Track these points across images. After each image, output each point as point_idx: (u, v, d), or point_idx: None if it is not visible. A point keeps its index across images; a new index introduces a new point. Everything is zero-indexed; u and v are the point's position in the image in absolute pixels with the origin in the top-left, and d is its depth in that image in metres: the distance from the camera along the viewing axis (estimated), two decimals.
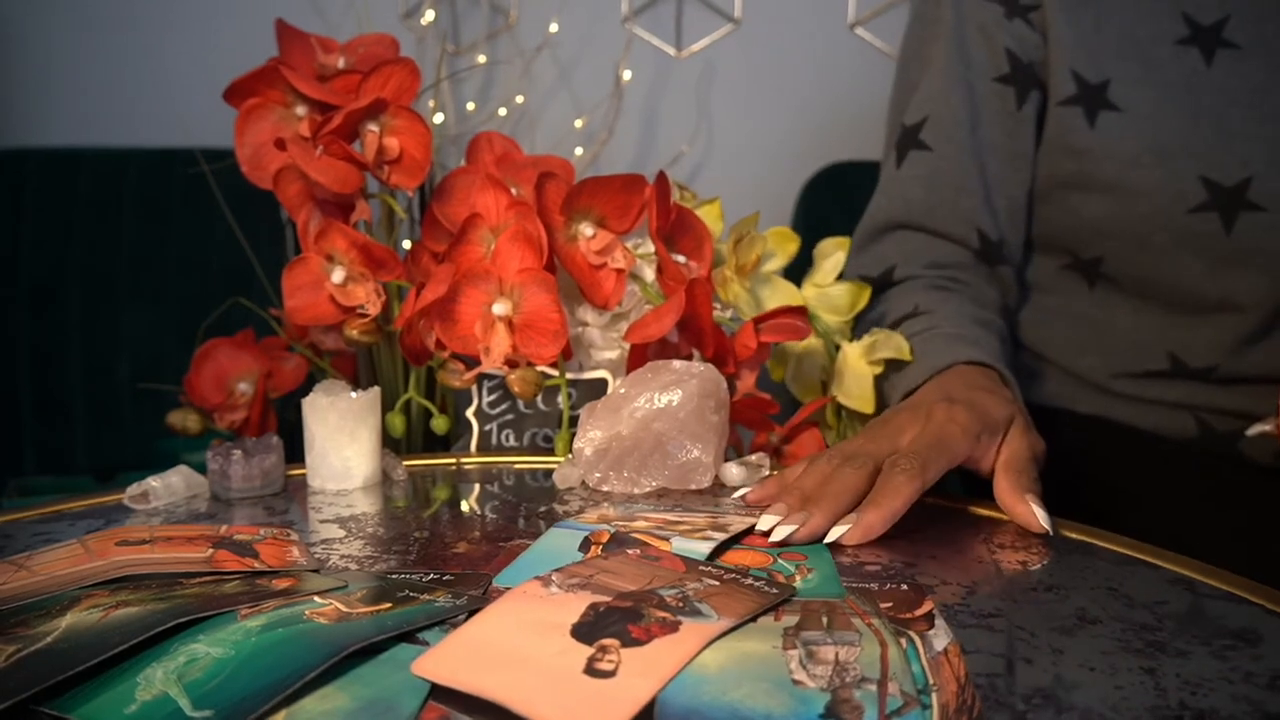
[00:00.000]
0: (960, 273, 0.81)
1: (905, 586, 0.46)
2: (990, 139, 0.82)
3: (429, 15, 1.41)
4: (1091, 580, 0.49)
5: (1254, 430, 0.70)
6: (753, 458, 0.67)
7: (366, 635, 0.39)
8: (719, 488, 0.65)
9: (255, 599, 0.43)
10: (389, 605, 0.43)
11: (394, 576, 0.48)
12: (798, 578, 0.47)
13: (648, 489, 0.63)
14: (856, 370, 0.76)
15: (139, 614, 0.40)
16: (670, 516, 0.56)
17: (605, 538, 0.51)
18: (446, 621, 0.41)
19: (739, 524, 0.54)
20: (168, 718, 0.33)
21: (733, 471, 0.65)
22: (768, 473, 0.67)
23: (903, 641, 0.39)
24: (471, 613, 0.42)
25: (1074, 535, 0.55)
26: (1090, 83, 0.77)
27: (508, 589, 0.44)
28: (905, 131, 0.84)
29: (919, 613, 0.42)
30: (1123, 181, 0.76)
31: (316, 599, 0.43)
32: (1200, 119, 0.75)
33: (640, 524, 0.54)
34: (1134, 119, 0.76)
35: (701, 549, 0.50)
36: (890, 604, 0.44)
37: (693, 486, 0.64)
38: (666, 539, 0.51)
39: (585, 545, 0.50)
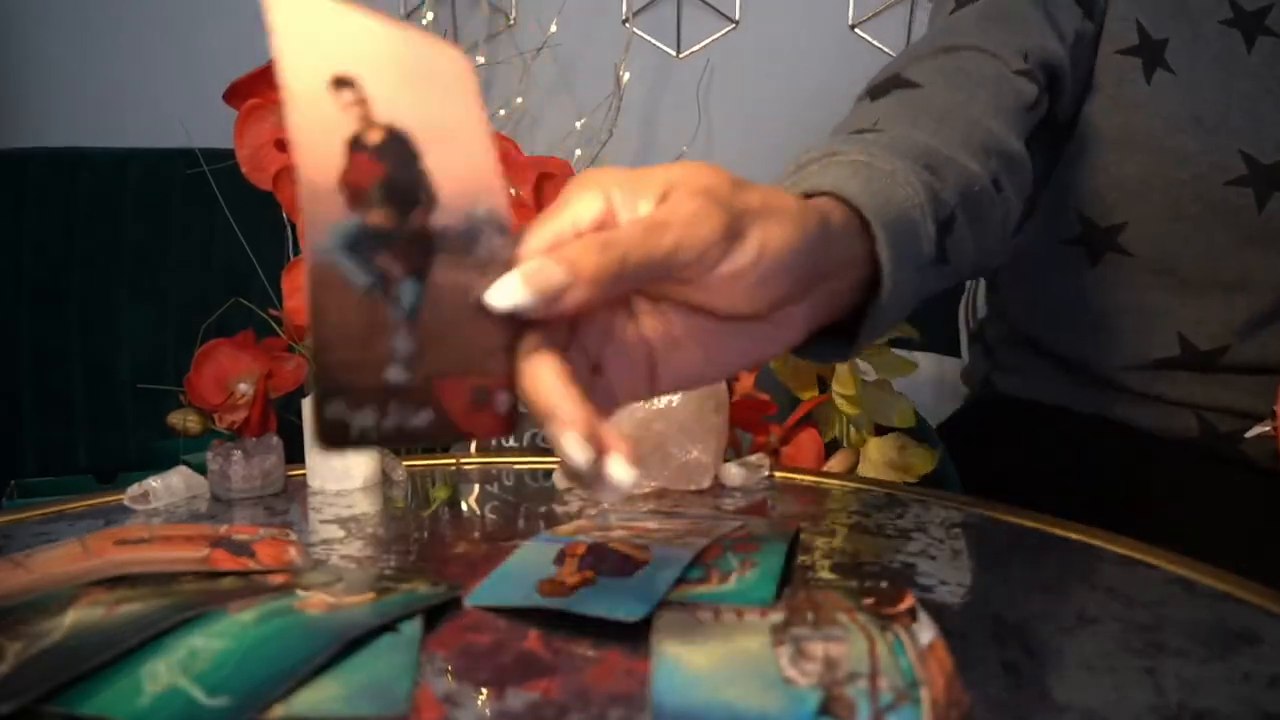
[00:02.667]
0: (989, 60, 0.64)
1: (884, 584, 0.46)
2: (1059, 19, 0.71)
3: (429, 15, 1.41)
4: (1091, 580, 0.49)
5: (1253, 432, 0.70)
6: (752, 458, 0.67)
7: (366, 621, 0.40)
8: (719, 488, 0.65)
9: (254, 594, 0.43)
10: (371, 595, 0.44)
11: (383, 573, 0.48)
12: (734, 575, 0.46)
13: (648, 489, 0.63)
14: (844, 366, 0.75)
15: (144, 610, 0.41)
16: (650, 525, 0.55)
17: (581, 550, 0.50)
18: (446, 609, 0.43)
19: (720, 529, 0.53)
20: (183, 707, 0.34)
21: (733, 471, 0.65)
22: (767, 473, 0.67)
23: (888, 636, 0.39)
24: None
25: (1074, 535, 0.55)
26: (1152, 37, 0.76)
27: (480, 608, 0.44)
28: None
29: (901, 608, 0.42)
30: (1166, 143, 0.75)
31: (299, 592, 0.44)
32: (1240, 99, 0.75)
33: (618, 533, 0.53)
34: (1185, 84, 0.76)
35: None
36: (872, 600, 0.43)
37: (693, 487, 0.64)
38: (645, 547, 0.50)
39: (560, 558, 0.49)
